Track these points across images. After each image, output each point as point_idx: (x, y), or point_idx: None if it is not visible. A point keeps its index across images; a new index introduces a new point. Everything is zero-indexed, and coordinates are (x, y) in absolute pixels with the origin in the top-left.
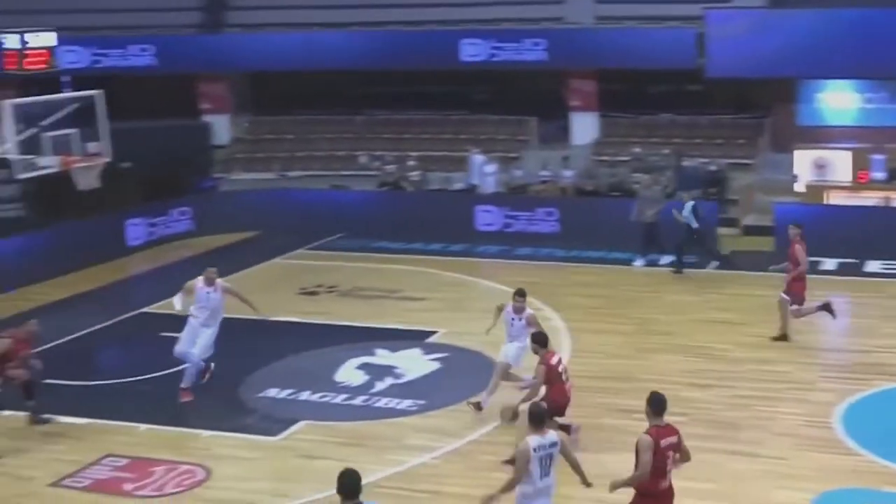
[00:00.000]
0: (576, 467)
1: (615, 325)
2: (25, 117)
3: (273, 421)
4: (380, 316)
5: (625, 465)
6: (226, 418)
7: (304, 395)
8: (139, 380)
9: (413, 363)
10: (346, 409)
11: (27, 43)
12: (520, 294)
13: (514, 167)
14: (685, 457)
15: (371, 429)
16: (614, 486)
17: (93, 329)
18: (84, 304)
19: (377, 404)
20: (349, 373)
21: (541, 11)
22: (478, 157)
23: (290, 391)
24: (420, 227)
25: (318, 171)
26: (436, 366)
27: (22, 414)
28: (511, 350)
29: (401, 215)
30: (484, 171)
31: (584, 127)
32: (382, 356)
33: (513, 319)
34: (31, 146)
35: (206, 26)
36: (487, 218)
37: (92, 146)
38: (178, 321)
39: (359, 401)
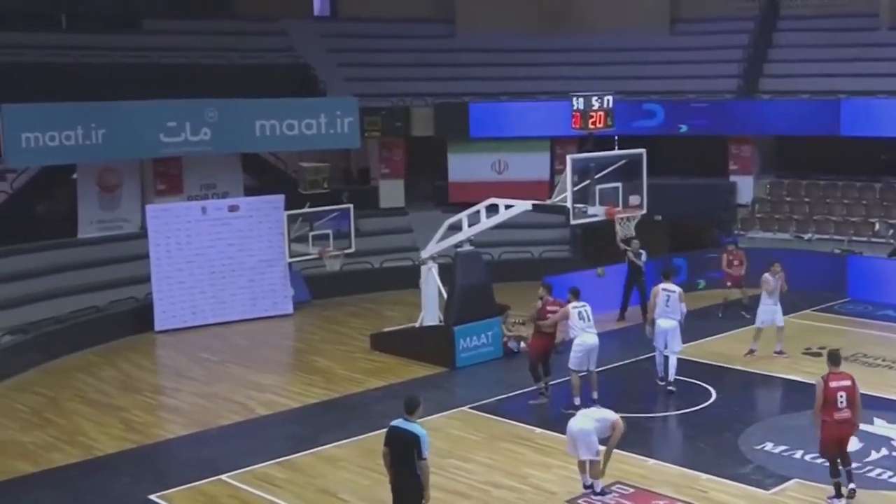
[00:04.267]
0: None
1: None
2: (581, 170)
3: (767, 474)
4: (881, 385)
5: None
6: (724, 465)
7: (798, 454)
8: (654, 416)
9: None
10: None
11: (592, 105)
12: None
13: None
14: (857, 403)
15: (860, 497)
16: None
17: (625, 363)
18: (615, 339)
19: (870, 473)
20: None
21: None
22: None
23: (784, 447)
24: None
25: (831, 234)
26: None
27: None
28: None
29: None
30: None
31: None
32: (880, 426)
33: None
34: (582, 196)
35: (741, 93)
36: None
37: (632, 199)
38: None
39: (852, 467)
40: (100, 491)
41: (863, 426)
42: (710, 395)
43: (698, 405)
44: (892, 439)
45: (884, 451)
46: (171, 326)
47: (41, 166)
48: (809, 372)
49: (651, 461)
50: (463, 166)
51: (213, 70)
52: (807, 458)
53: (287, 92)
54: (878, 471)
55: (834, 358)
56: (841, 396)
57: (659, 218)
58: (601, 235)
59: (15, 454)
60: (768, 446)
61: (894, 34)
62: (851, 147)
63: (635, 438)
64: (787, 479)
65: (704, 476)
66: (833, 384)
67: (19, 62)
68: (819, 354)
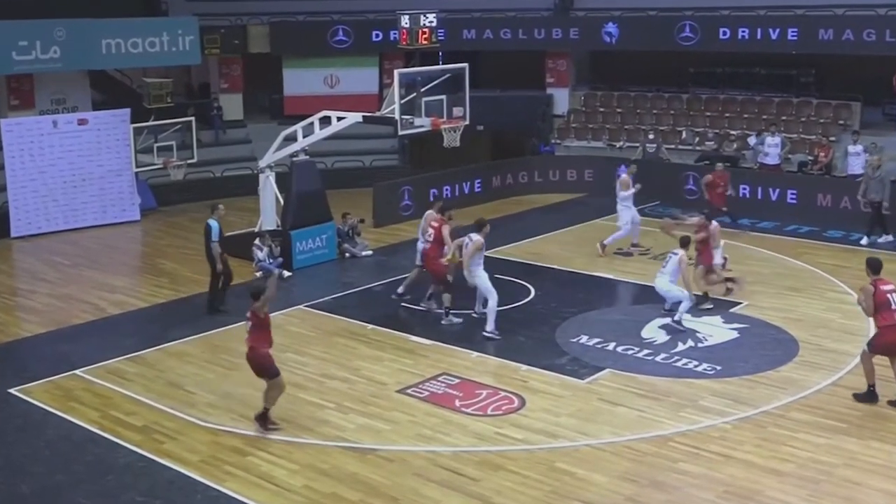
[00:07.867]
0: None
1: None
2: (408, 84)
3: (581, 365)
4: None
5: None
6: (542, 357)
7: (611, 346)
8: (476, 312)
9: (714, 330)
10: (648, 363)
11: (417, 23)
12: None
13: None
14: None
15: (669, 385)
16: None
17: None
18: None
19: (676, 363)
20: (654, 331)
21: None
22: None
23: (598, 340)
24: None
25: (641, 143)
26: (734, 335)
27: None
28: None
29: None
30: (767, 143)
31: None
32: (686, 319)
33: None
34: (409, 108)
35: (556, 10)
36: (792, 196)
37: (456, 110)
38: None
39: (660, 358)
40: None
41: (670, 319)
42: (529, 292)
43: (518, 302)
44: (697, 332)
45: (689, 343)
46: (27, 233)
47: None
48: (622, 271)
49: (475, 354)
50: (297, 81)
51: None
52: (619, 349)
53: (131, 12)
54: (684, 361)
55: (873, 265)
56: (891, 299)
57: (481, 128)
58: (428, 145)
59: None
60: (583, 339)
61: None
62: (660, 60)
63: (460, 334)
64: (601, 368)
65: (524, 367)
66: (885, 287)
67: None
68: (630, 254)
